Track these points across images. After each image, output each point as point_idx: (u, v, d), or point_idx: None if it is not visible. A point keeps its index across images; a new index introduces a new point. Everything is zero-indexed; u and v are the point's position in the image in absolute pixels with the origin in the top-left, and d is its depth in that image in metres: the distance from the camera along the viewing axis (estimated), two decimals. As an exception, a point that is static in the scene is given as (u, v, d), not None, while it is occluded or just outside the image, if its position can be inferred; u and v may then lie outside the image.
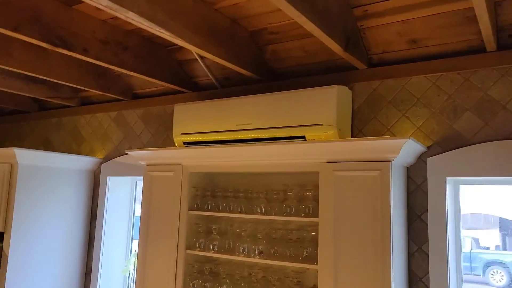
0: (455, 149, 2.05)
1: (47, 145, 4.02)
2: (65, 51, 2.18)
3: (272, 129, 2.38)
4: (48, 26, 2.10)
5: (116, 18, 2.36)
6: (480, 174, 1.97)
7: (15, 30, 1.93)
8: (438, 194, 2.06)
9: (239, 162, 2.38)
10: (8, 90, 3.27)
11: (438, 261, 2.03)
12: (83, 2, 1.86)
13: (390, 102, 2.27)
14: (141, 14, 1.74)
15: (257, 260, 2.29)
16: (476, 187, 2.26)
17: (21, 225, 3.03)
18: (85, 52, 2.28)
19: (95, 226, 3.44)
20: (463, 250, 2.16)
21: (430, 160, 2.10)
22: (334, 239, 1.99)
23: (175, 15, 1.94)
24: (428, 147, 2.13)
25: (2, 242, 3.01)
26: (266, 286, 2.33)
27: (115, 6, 1.64)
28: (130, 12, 1.70)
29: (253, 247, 2.35)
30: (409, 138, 1.79)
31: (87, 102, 3.80)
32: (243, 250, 2.37)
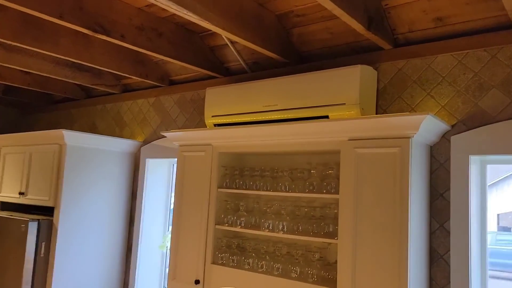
0: (479, 127, 2.03)
1: (93, 130, 4.32)
2: (104, 37, 2.36)
3: (297, 110, 2.45)
4: (89, 13, 2.28)
5: (151, 5, 2.51)
6: (505, 151, 1.94)
7: (60, 17, 2.12)
8: (461, 172, 2.06)
9: (265, 142, 2.47)
10: (57, 77, 3.55)
11: (459, 238, 2.03)
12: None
13: (415, 81, 2.27)
14: (169, -2, 1.87)
15: (281, 235, 2.38)
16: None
17: (69, 201, 3.30)
18: (122, 38, 2.46)
19: (135, 205, 3.68)
20: (488, 229, 2.14)
21: (453, 139, 2.09)
22: (353, 215, 2.04)
23: (202, -1, 2.05)
24: (453, 126, 2.12)
25: (53, 216, 3.30)
26: (290, 261, 2.42)
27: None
28: (159, -4, 1.83)
29: (277, 223, 2.44)
30: (428, 114, 1.80)
31: (128, 89, 4.03)
32: (268, 226, 2.48)
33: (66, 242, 3.27)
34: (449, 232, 2.07)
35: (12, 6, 2.00)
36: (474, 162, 2.12)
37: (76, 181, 3.35)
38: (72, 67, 3.61)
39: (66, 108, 4.74)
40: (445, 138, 2.14)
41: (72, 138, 3.31)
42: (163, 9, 2.55)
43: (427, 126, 1.92)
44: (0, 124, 5.16)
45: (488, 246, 2.14)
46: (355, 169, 2.06)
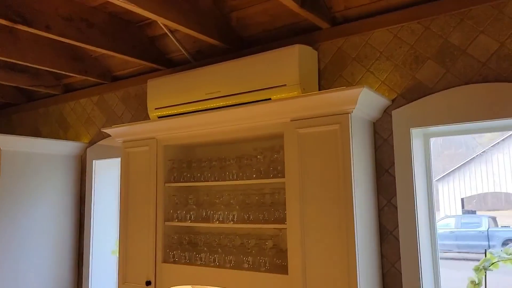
0: (418, 99, 2.02)
1: (37, 135, 4.07)
2: (25, 28, 2.19)
3: (240, 95, 2.37)
4: (6, 2, 2.11)
5: (77, -7, 2.36)
6: (444, 121, 1.94)
7: (-31, 7, 1.95)
8: (403, 146, 2.04)
9: (209, 130, 2.38)
10: (-11, 80, 3.31)
11: (406, 214, 2.02)
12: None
13: (354, 58, 2.24)
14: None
15: (231, 225, 2.30)
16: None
17: (7, 209, 3.07)
18: (47, 29, 2.29)
19: (84, 210, 3.49)
20: (435, 203, 2.14)
21: (394, 113, 2.08)
22: (300, 197, 1.98)
23: (127, -19, 1.93)
24: (393, 100, 2.11)
25: (-9, 228, 3.06)
26: (243, 251, 2.34)
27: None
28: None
29: (227, 213, 2.36)
30: (364, 87, 1.77)
31: (70, 89, 3.82)
32: (219, 217, 2.38)
33: (5, 255, 3.04)
34: (396, 208, 2.05)
35: None
36: (417, 135, 2.11)
37: (14, 187, 3.13)
38: (5, 68, 3.37)
39: (5, 115, 4.45)
40: (387, 113, 2.12)
41: (7, 143, 3.09)
42: (92, -2, 2.40)
43: (365, 101, 1.89)
44: None
45: (438, 222, 2.14)
46: (299, 150, 2.01)
